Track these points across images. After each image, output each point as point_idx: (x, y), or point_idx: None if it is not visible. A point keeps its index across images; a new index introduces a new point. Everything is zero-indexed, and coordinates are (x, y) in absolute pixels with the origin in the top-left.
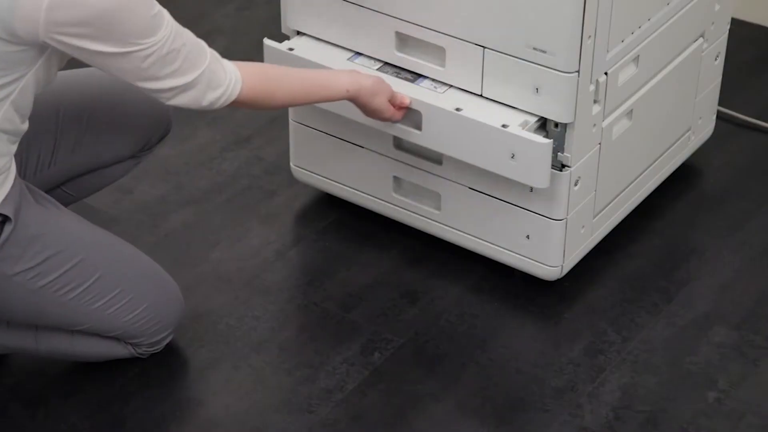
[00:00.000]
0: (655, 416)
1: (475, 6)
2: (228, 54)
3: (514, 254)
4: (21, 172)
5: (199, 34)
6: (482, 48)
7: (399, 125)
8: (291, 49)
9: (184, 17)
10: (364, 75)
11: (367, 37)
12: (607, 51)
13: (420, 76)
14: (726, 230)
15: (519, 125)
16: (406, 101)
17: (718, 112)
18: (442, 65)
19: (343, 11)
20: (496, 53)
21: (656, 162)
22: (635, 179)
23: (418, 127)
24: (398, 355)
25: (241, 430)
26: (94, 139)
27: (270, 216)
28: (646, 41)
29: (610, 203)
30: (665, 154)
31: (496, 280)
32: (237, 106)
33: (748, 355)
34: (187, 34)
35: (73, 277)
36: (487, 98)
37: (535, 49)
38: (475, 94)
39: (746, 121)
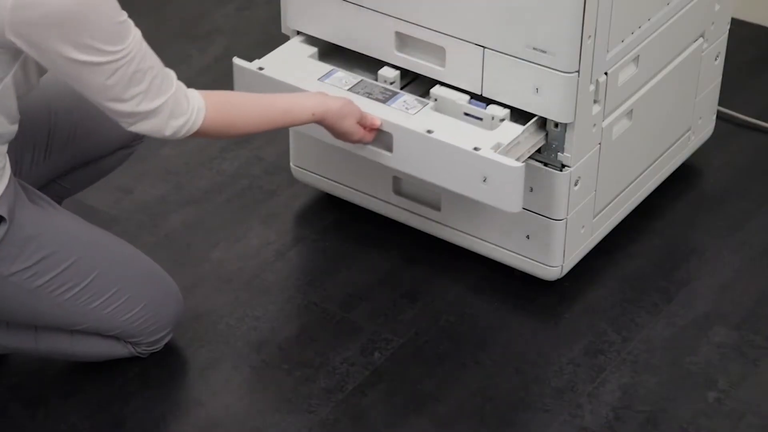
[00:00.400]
0: (655, 416)
1: (475, 6)
2: (228, 54)
3: (514, 254)
4: (16, 168)
5: (199, 34)
6: (482, 48)
7: (370, 147)
8: (261, 69)
9: (184, 17)
10: (331, 98)
11: (367, 37)
12: (607, 51)
13: (393, 95)
14: (726, 230)
15: (491, 148)
16: (377, 123)
17: (718, 112)
18: (442, 65)
19: (343, 11)
20: (496, 53)
21: (656, 162)
22: (635, 179)
23: (389, 149)
24: (398, 355)
25: (241, 430)
26: (87, 131)
27: (270, 216)
28: (646, 41)
29: (610, 203)
30: (665, 154)
31: (496, 280)
32: (201, 136)
33: (748, 355)
34: (156, 60)
35: (69, 277)
36: (465, 115)
37: (535, 49)
38: (451, 116)
39: (746, 121)
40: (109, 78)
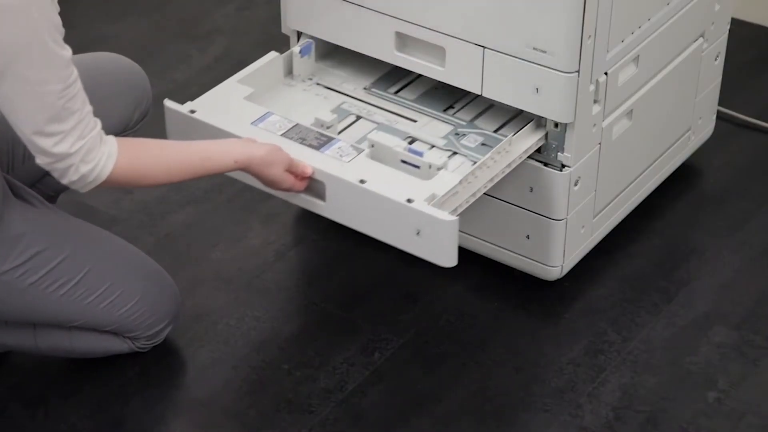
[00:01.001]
0: (655, 416)
1: (474, 6)
2: (228, 54)
3: (514, 254)
4: (9, 164)
5: (199, 34)
6: (482, 48)
7: (302, 195)
8: (193, 111)
9: (184, 17)
10: (257, 144)
11: (367, 37)
12: (607, 51)
13: (328, 141)
14: (726, 230)
15: (425, 199)
16: (308, 171)
17: (718, 112)
18: (442, 65)
19: (343, 11)
20: (496, 53)
21: (656, 162)
22: (635, 179)
23: (323, 198)
24: (398, 355)
25: (241, 430)
26: None
27: (270, 216)
28: (646, 41)
29: (610, 203)
30: (665, 154)
31: (496, 280)
32: (113, 184)
33: (748, 355)
34: (86, 102)
35: (61, 273)
36: (402, 163)
37: (535, 49)
38: (387, 164)
39: (746, 121)
40: (37, 101)
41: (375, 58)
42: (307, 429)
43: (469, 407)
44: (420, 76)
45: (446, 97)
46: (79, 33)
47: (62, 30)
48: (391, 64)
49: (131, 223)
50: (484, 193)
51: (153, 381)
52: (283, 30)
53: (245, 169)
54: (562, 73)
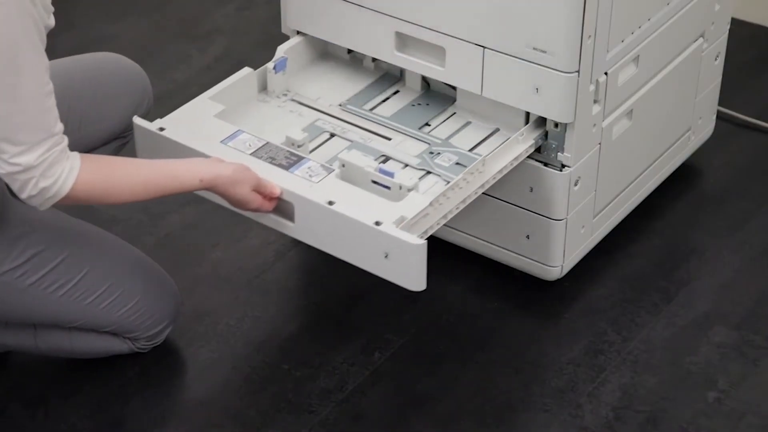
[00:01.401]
0: (655, 416)
1: (474, 6)
2: (228, 54)
3: (514, 254)
4: None
5: (199, 34)
6: (482, 48)
7: (271, 215)
8: (162, 129)
9: (184, 17)
10: (224, 164)
11: (367, 37)
12: (607, 51)
13: (297, 161)
14: (726, 230)
15: (394, 222)
16: (276, 192)
17: (718, 112)
18: (442, 65)
19: (343, 11)
20: (496, 53)
21: (656, 162)
22: (635, 179)
23: (291, 219)
24: (398, 355)
25: (241, 430)
26: (78, 124)
27: None
28: (646, 41)
29: (610, 203)
30: (665, 154)
31: (496, 280)
32: (74, 201)
33: (748, 355)
34: (58, 117)
35: (61, 274)
36: (373, 183)
37: (535, 49)
38: (357, 185)
39: (746, 121)
40: (9, 103)
41: (353, 72)
42: (307, 429)
43: (469, 407)
44: (398, 91)
45: (423, 114)
46: (79, 33)
47: (45, 39)
48: (370, 79)
49: (131, 223)
50: (484, 193)
51: (153, 381)
52: (283, 30)
53: (211, 189)
54: (562, 73)
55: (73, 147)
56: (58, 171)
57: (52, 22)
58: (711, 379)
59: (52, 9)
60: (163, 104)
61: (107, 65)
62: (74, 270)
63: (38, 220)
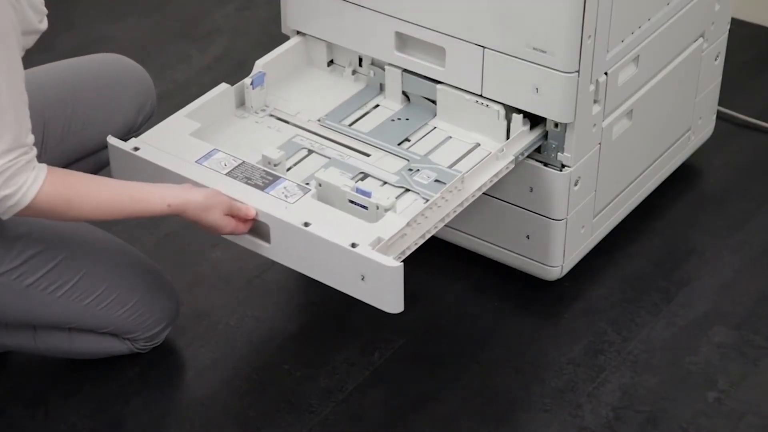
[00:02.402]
0: (655, 416)
1: (475, 6)
2: (228, 54)
3: (514, 254)
4: None
5: (199, 34)
6: (482, 48)
7: (247, 236)
8: (136, 149)
9: (184, 17)
10: (194, 190)
11: (367, 37)
12: (607, 51)
13: (273, 180)
14: (726, 230)
15: (370, 244)
16: (251, 213)
17: (718, 112)
18: (442, 65)
19: (343, 11)
20: (496, 53)
21: (656, 162)
22: (635, 179)
23: (267, 240)
24: (398, 355)
25: (241, 430)
26: (82, 124)
27: None
28: (646, 41)
29: (610, 203)
30: (665, 154)
31: (496, 280)
32: (36, 213)
33: (748, 355)
34: (30, 128)
35: (59, 275)
36: (350, 203)
37: (535, 49)
38: (334, 205)
39: (746, 121)
40: None
41: (333, 85)
42: (307, 429)
43: (469, 407)
44: (378, 105)
45: (402, 129)
46: (79, 33)
47: (29, 43)
48: (350, 92)
49: (131, 223)
50: (484, 193)
51: (153, 381)
52: (283, 30)
53: (181, 215)
54: (562, 73)
55: (77, 150)
56: (21, 180)
57: (42, 26)
58: (711, 379)
59: (45, 11)
60: (163, 104)
61: (110, 67)
62: (73, 271)
63: (36, 221)
